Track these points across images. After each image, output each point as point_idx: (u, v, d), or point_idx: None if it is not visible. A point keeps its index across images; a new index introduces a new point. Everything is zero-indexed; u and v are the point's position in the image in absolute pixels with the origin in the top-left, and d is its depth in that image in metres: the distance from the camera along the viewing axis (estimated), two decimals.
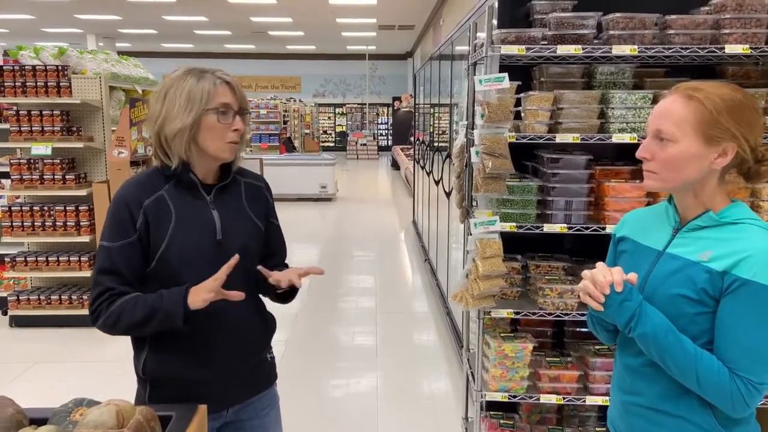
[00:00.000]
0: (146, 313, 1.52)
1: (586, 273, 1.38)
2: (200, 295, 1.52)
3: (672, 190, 1.41)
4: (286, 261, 1.88)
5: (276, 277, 1.64)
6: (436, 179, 6.00)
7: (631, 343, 1.42)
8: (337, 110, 24.28)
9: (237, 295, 1.55)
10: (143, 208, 1.58)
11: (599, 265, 1.40)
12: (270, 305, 1.81)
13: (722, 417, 1.35)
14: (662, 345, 1.32)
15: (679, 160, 1.32)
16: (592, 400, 2.65)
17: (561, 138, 2.54)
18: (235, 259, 1.55)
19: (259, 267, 1.67)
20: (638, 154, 1.40)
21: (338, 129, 24.43)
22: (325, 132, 24.33)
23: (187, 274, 1.57)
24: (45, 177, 4.72)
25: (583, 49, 2.46)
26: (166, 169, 1.63)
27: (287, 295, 1.75)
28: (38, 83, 4.67)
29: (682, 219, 1.42)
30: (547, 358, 2.72)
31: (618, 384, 1.54)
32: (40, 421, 1.24)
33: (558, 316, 2.63)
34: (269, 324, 1.81)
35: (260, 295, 1.80)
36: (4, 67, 4.71)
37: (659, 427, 1.42)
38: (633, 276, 1.37)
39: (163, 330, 1.56)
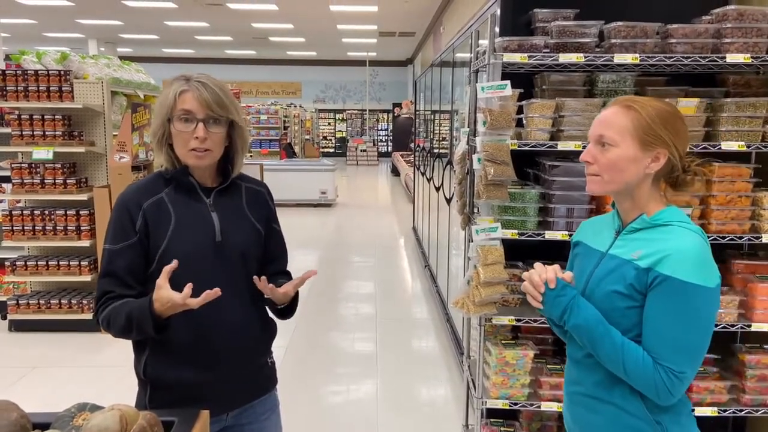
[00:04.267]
0: (124, 322, 1.53)
1: (525, 274, 1.54)
2: (165, 308, 1.48)
3: (613, 193, 1.52)
4: (287, 268, 1.87)
5: (279, 291, 1.62)
6: (437, 185, 6.00)
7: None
8: (337, 116, 24.32)
9: (213, 294, 1.48)
10: (142, 210, 1.61)
11: (536, 265, 1.54)
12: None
13: (651, 405, 1.45)
14: (593, 336, 1.45)
15: (620, 162, 1.45)
16: None
17: (563, 145, 2.55)
18: (172, 266, 1.49)
19: (261, 284, 1.62)
20: (582, 157, 1.53)
21: (338, 135, 24.46)
22: (325, 138, 24.36)
23: (186, 275, 1.55)
24: (46, 181, 4.72)
25: (585, 57, 2.47)
26: (166, 173, 1.66)
27: (286, 311, 1.76)
28: (40, 88, 4.68)
29: (623, 223, 1.54)
30: (548, 366, 2.72)
31: (566, 377, 1.66)
32: (43, 426, 1.24)
33: None
34: (270, 328, 1.81)
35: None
36: (7, 72, 4.72)
37: (596, 414, 1.53)
38: (568, 274, 1.53)
39: (162, 334, 1.55)
